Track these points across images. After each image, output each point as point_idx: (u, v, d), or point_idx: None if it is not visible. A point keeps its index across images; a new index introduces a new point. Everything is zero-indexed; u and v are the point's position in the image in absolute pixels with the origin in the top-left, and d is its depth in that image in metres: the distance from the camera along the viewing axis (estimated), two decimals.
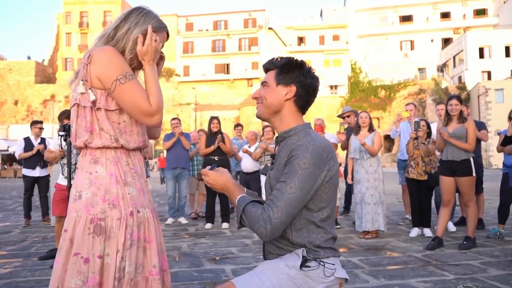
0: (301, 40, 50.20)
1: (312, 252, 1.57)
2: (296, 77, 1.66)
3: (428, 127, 5.55)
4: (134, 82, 1.54)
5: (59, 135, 4.13)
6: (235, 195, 1.62)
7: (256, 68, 49.07)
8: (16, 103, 48.44)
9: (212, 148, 6.57)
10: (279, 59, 1.71)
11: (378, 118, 42.86)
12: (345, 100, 44.59)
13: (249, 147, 7.38)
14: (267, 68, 1.75)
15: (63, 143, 4.17)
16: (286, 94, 1.66)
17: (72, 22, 49.23)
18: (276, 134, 6.57)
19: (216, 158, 6.60)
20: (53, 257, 4.51)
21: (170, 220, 7.09)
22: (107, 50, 1.54)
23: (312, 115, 45.53)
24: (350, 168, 5.84)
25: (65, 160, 4.27)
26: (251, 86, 48.77)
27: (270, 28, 50.03)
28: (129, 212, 1.51)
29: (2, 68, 49.37)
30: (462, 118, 4.78)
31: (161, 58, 1.71)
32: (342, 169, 8.12)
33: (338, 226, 6.25)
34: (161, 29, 1.68)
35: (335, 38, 49.15)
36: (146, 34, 1.59)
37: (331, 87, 46.64)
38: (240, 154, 7.43)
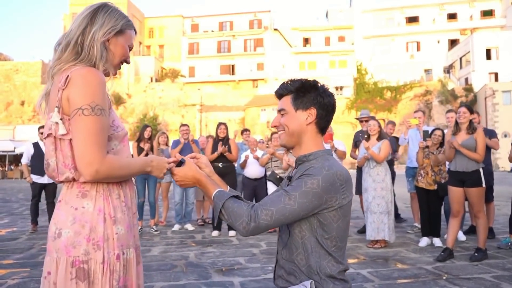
0: (306, 41, 50.08)
1: (321, 283, 1.53)
2: (313, 98, 1.62)
3: (443, 137, 5.46)
4: (99, 120, 1.34)
5: None
6: (209, 189, 1.56)
7: (261, 69, 49.03)
8: (22, 103, 48.68)
9: (216, 154, 6.54)
10: (290, 83, 1.67)
11: (384, 120, 42.60)
12: (350, 101, 44.42)
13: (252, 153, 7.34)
14: (280, 94, 1.70)
15: None
16: (307, 118, 1.63)
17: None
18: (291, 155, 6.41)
19: (220, 164, 6.57)
20: None
21: (176, 227, 7.07)
22: (94, 78, 1.37)
23: None
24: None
25: None
26: (256, 87, 48.73)
27: (275, 29, 49.96)
28: (115, 256, 1.39)
29: (9, 69, 49.64)
30: (471, 129, 4.71)
31: (126, 62, 1.61)
32: None
33: None
34: (129, 27, 1.57)
35: (341, 39, 48.99)
36: (111, 37, 1.50)
37: (337, 88, 46.46)
38: (249, 160, 7.36)
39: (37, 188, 7.12)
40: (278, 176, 6.47)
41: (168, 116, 46.65)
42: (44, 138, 1.47)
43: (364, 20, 48.09)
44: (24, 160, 7.29)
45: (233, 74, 49.86)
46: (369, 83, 45.93)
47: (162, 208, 8.12)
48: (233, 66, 50.08)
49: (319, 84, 1.68)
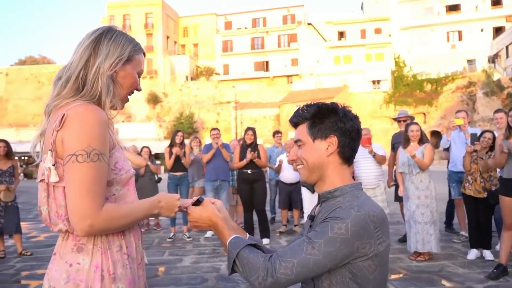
0: (341, 34, 49.02)
1: None
2: (333, 124, 1.38)
3: (493, 140, 4.98)
4: (95, 167, 1.18)
5: None
6: (225, 235, 1.36)
7: (295, 64, 48.46)
8: None
9: (245, 162, 6.31)
10: (306, 109, 1.43)
11: (424, 113, 41.13)
12: (388, 95, 43.10)
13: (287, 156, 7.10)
14: (295, 122, 1.47)
15: None
16: (327, 148, 1.39)
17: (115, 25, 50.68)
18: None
19: (249, 171, 6.35)
20: None
21: (209, 233, 6.95)
22: (91, 118, 1.20)
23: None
24: (401, 182, 5.43)
25: None
26: (291, 83, 48.27)
27: (309, 24, 49.19)
28: None
29: (52, 72, 51.62)
30: None
31: (137, 90, 1.45)
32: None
33: None
34: (137, 53, 1.41)
35: (377, 31, 47.59)
36: (118, 69, 1.34)
37: (374, 82, 45.24)
38: (284, 164, 7.13)
39: None
40: None
41: (203, 114, 47.08)
42: (38, 181, 1.30)
43: (401, 10, 46.44)
44: None
45: (267, 70, 49.60)
46: (407, 76, 44.39)
47: None
48: (267, 62, 49.81)
49: (339, 107, 1.43)
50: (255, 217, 6.55)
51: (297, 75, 48.17)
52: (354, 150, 1.45)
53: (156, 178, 8.07)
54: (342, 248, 1.23)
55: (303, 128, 1.44)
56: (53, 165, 1.21)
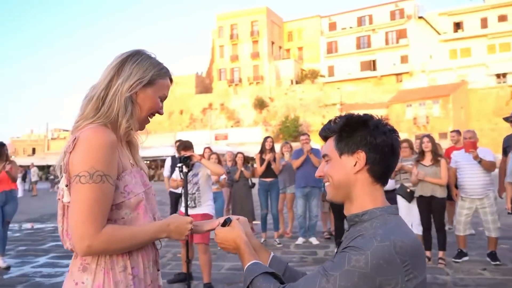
0: (457, 26, 44.79)
1: None
2: (361, 139, 1.22)
3: None
4: (97, 188, 1.19)
5: (177, 166, 4.25)
6: (245, 259, 1.29)
7: (405, 62, 45.75)
8: (181, 112, 54.78)
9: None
10: (335, 121, 1.28)
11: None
12: None
13: None
14: (324, 136, 1.33)
15: (181, 173, 4.25)
16: (354, 165, 1.22)
17: (224, 36, 53.45)
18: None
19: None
20: (180, 281, 4.69)
21: (300, 240, 6.85)
22: (96, 140, 1.23)
23: (475, 110, 40.18)
24: (510, 194, 4.71)
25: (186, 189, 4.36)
26: (400, 81, 45.67)
27: (420, 17, 45.99)
28: None
29: None
30: None
31: (158, 113, 1.44)
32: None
33: (498, 262, 5.11)
34: (161, 77, 1.40)
35: (501, 18, 42.40)
36: (138, 91, 1.35)
37: (498, 75, 40.45)
38: None
39: (173, 198, 7.69)
40: (408, 190, 5.74)
41: (309, 117, 47.04)
42: (57, 199, 1.36)
43: None
44: (165, 173, 7.95)
45: (374, 70, 47.66)
46: None
47: (288, 220, 8.00)
48: (374, 61, 47.85)
49: (372, 119, 1.25)
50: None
51: (408, 72, 45.40)
52: (388, 168, 1.26)
53: (250, 183, 8.22)
54: (361, 285, 1.06)
55: (331, 142, 1.30)
56: (66, 185, 1.26)
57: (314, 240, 6.80)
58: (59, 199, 1.32)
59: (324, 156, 1.33)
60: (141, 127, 1.45)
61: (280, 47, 53.44)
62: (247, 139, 40.86)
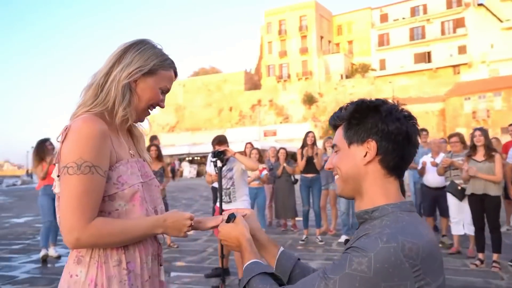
0: None
1: None
2: (372, 126, 1.08)
3: None
4: (85, 179, 1.16)
5: (211, 160, 4.24)
6: (244, 258, 1.22)
7: (463, 52, 43.29)
8: (230, 109, 55.43)
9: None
10: (346, 107, 1.16)
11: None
12: None
13: (432, 158, 6.30)
14: (334, 125, 1.21)
15: (215, 168, 4.23)
16: (364, 156, 1.10)
17: (272, 32, 53.34)
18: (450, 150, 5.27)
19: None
20: (217, 276, 4.68)
21: (343, 238, 6.64)
22: (85, 129, 1.19)
23: None
24: None
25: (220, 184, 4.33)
26: (458, 73, 43.26)
27: (480, 4, 43.27)
28: None
29: (219, 80, 57.36)
30: None
31: (159, 106, 1.39)
32: None
33: None
34: (164, 68, 1.35)
35: None
36: (139, 78, 1.31)
37: None
38: (428, 166, 6.37)
39: (215, 193, 7.73)
40: (459, 188, 5.38)
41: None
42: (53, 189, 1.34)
43: None
44: (207, 168, 8.00)
45: (429, 62, 45.49)
46: None
47: (331, 217, 7.80)
48: (428, 53, 45.67)
49: (384, 104, 1.11)
50: None
51: (466, 64, 42.93)
52: (404, 159, 1.11)
53: (293, 179, 8.10)
54: None
55: (340, 131, 1.18)
56: (58, 176, 1.23)
57: None
58: (52, 189, 1.31)
59: (333, 146, 1.22)
60: (141, 118, 1.40)
61: (329, 42, 52.46)
62: (296, 135, 40.51)
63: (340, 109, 1.20)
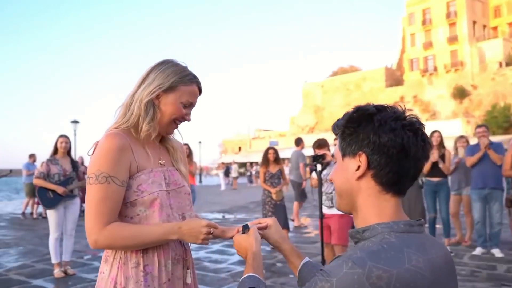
0: None
1: None
2: (363, 138, 0.98)
3: None
4: (102, 188, 1.32)
5: (310, 165, 4.21)
6: (245, 270, 1.25)
7: None
8: None
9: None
10: (345, 114, 1.07)
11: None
12: None
13: None
14: (335, 134, 1.12)
15: (315, 172, 4.19)
16: (356, 170, 1.00)
17: (415, 23, 49.72)
18: None
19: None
20: None
21: (478, 251, 5.85)
22: (105, 144, 1.36)
23: None
24: None
25: (322, 188, 4.28)
26: None
27: None
28: None
29: (358, 78, 55.93)
30: None
31: (185, 120, 1.49)
32: None
33: None
34: (184, 83, 1.44)
35: None
36: (161, 95, 1.42)
37: None
38: None
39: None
40: None
41: None
42: None
43: None
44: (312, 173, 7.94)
45: None
46: None
47: (465, 225, 6.93)
48: None
49: (379, 112, 0.99)
50: None
51: None
52: (400, 174, 0.99)
53: (420, 182, 7.44)
54: None
55: (338, 141, 1.11)
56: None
57: (497, 252, 5.71)
58: None
59: (332, 157, 1.15)
60: (168, 132, 1.52)
61: (484, 26, 46.50)
62: (445, 133, 36.59)
63: (343, 116, 1.12)
